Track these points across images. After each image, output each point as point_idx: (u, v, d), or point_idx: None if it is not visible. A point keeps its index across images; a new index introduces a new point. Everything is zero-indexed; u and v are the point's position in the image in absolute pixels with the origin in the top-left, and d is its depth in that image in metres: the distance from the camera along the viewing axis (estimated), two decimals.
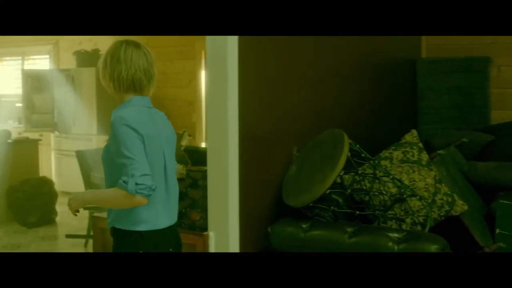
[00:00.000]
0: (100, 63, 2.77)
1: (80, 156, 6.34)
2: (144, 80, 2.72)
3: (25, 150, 7.91)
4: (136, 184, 2.46)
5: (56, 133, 9.30)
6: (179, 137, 5.94)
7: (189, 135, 6.27)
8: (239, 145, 3.15)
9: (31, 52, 10.82)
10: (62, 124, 9.16)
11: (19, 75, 9.88)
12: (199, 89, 8.50)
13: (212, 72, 3.16)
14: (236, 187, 3.14)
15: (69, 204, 2.74)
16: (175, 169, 2.89)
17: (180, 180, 3.43)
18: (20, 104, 9.82)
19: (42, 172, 8.47)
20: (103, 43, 9.35)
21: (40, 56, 10.71)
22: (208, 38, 3.15)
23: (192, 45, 8.46)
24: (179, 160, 5.59)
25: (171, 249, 2.78)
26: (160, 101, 8.76)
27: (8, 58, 11.20)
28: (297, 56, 3.64)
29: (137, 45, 2.75)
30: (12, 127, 9.59)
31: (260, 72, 3.36)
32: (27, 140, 8.15)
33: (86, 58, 8.98)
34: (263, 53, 3.36)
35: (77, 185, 8.44)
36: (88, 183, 6.12)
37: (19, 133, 9.04)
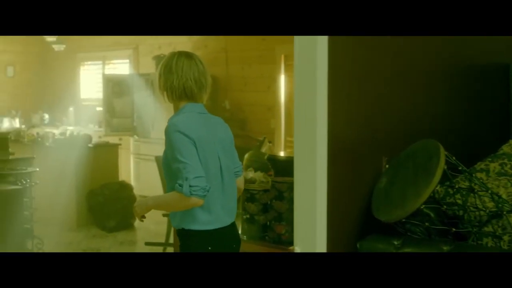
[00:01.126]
0: (156, 73, 2.98)
1: (159, 161, 6.31)
2: (194, 88, 2.89)
3: (105, 154, 7.97)
4: (190, 186, 2.62)
5: (135, 137, 9.36)
6: (260, 143, 5.84)
7: (269, 142, 6.15)
8: (328, 155, 3.00)
9: (111, 56, 10.94)
10: (141, 128, 9.21)
11: (99, 79, 10.00)
12: (278, 94, 8.33)
13: (300, 75, 3.02)
14: (324, 200, 2.99)
15: (134, 211, 2.96)
16: (236, 170, 3.05)
17: (264, 191, 3.31)
18: (100, 108, 9.94)
19: (121, 176, 8.52)
20: (182, 47, 9.25)
21: (120, 60, 10.84)
22: (297, 39, 3.01)
23: (271, 49, 8.30)
24: (259, 168, 5.48)
25: (234, 245, 2.97)
26: (238, 106, 8.66)
27: (89, 62, 11.38)
28: (387, 60, 3.46)
29: (188, 56, 2.94)
30: (92, 130, 9.70)
31: (350, 76, 3.20)
32: (107, 145, 8.22)
33: None
34: (353, 55, 3.20)
35: (155, 189, 8.40)
36: None
37: (99, 137, 9.12)
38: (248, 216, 3.35)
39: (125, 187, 7.74)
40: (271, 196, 3.30)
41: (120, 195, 7.56)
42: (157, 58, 9.12)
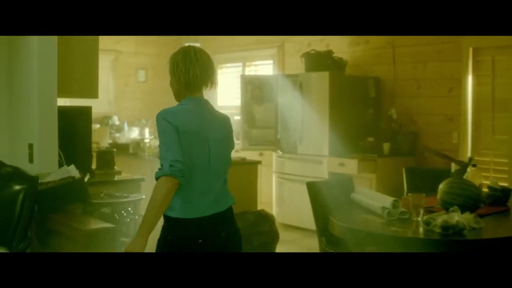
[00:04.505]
0: (174, 67, 3.00)
1: (313, 189, 4.46)
2: (198, 82, 2.97)
3: (241, 174, 6.26)
4: (170, 166, 2.72)
5: (279, 152, 7.70)
6: (462, 167, 3.95)
7: (473, 165, 4.22)
8: None
9: (253, 57, 9.53)
10: (286, 141, 7.57)
11: (238, 83, 8.44)
12: (463, 100, 6.64)
13: None
14: None
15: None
16: (226, 164, 3.06)
17: None
18: (238, 117, 8.35)
19: (261, 200, 6.88)
20: (337, 43, 7.74)
21: (262, 61, 9.40)
22: None
23: (455, 41, 6.62)
24: (465, 205, 3.67)
25: (200, 240, 2.89)
26: (408, 115, 7.24)
27: (228, 64, 9.91)
28: None
29: (194, 49, 3.00)
30: None
31: None
32: (244, 162, 6.53)
33: (317, 61, 7.35)
34: None
35: (301, 218, 6.94)
36: (324, 232, 4.21)
37: (236, 151, 7.53)
38: None
39: (264, 219, 5.98)
40: None
41: (257, 229, 5.82)
42: (307, 56, 7.50)
